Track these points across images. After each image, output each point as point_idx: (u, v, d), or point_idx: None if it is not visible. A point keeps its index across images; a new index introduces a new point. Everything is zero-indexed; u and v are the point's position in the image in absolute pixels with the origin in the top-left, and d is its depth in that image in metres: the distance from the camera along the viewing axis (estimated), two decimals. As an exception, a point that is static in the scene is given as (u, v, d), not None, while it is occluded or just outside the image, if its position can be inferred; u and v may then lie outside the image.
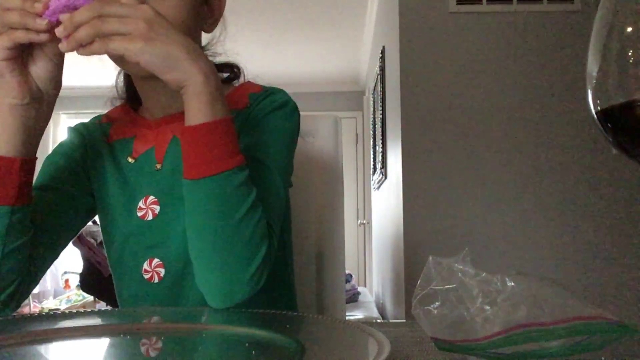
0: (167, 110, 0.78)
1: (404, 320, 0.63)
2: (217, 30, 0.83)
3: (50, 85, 0.64)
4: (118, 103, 0.87)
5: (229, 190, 0.60)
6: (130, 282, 0.77)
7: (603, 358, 0.42)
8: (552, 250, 2.26)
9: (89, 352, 0.49)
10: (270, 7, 3.83)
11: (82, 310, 0.69)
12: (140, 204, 0.75)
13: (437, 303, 0.39)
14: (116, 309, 0.73)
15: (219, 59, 0.86)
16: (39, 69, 0.63)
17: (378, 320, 2.59)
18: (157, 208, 0.75)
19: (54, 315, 0.60)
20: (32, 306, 4.76)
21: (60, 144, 0.81)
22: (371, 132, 4.13)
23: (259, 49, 4.55)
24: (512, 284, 0.37)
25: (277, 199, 0.70)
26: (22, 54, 0.61)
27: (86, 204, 0.79)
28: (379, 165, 3.45)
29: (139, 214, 0.75)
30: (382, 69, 3.19)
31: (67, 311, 0.63)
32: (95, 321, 0.60)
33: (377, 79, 3.52)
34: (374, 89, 3.78)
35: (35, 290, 4.60)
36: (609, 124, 0.37)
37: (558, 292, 0.36)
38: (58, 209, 0.74)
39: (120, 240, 0.77)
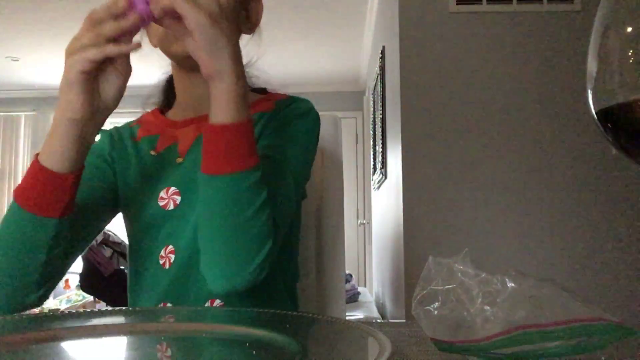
0: (197, 109, 0.82)
1: (404, 320, 0.63)
2: (253, 56, 0.89)
3: (112, 100, 0.66)
4: (149, 105, 0.92)
5: (242, 189, 0.63)
6: (145, 269, 0.79)
7: (603, 358, 0.42)
8: (553, 251, 2.26)
9: (84, 353, 0.49)
10: (271, 8, 3.83)
11: (82, 310, 0.70)
12: (162, 194, 0.78)
13: (437, 303, 0.39)
14: (117, 308, 0.73)
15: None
16: (108, 84, 0.64)
17: (378, 320, 2.59)
18: (178, 198, 0.78)
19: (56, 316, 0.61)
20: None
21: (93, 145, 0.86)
22: (371, 132, 4.13)
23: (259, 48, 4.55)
24: (512, 284, 0.37)
25: (286, 199, 0.72)
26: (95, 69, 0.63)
27: (112, 200, 0.82)
28: (379, 165, 3.45)
29: (161, 203, 0.78)
30: (382, 69, 3.19)
31: (72, 311, 0.63)
32: (95, 321, 0.59)
33: (377, 79, 3.52)
34: (374, 89, 3.78)
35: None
36: (609, 124, 0.37)
37: (558, 293, 0.36)
38: (86, 206, 0.76)
39: (141, 228, 0.80)
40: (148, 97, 0.93)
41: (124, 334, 0.53)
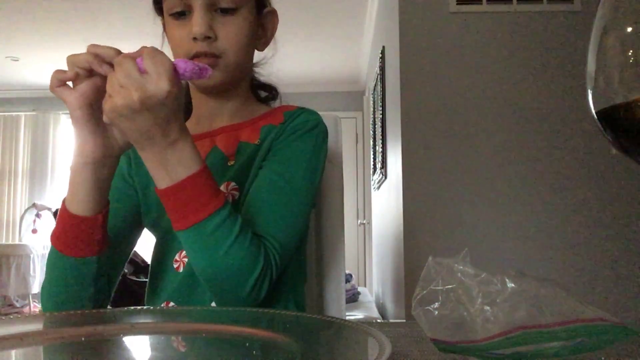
0: (212, 123, 0.86)
1: (404, 320, 0.63)
2: (269, 52, 0.93)
3: (124, 142, 0.68)
4: None
5: (207, 234, 0.66)
6: (160, 272, 0.83)
7: (603, 358, 0.42)
8: (553, 251, 2.26)
9: (79, 351, 0.49)
10: (270, 7, 3.82)
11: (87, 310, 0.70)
12: None
13: (437, 303, 0.39)
14: (111, 309, 0.73)
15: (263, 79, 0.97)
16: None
17: (378, 320, 2.59)
18: None
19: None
20: (32, 306, 4.76)
21: None
22: (371, 132, 4.13)
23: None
24: (512, 284, 0.37)
25: (285, 220, 0.75)
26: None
27: (138, 217, 0.85)
28: (379, 165, 3.45)
29: None
30: (382, 69, 3.19)
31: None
32: (95, 319, 0.59)
33: (377, 79, 3.52)
34: (374, 89, 3.78)
35: (35, 291, 4.60)
36: (609, 124, 0.37)
37: (558, 293, 0.36)
38: (117, 228, 0.79)
39: (160, 235, 0.85)
40: None
41: (122, 333, 0.53)
